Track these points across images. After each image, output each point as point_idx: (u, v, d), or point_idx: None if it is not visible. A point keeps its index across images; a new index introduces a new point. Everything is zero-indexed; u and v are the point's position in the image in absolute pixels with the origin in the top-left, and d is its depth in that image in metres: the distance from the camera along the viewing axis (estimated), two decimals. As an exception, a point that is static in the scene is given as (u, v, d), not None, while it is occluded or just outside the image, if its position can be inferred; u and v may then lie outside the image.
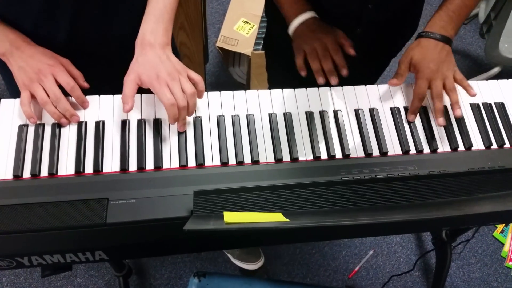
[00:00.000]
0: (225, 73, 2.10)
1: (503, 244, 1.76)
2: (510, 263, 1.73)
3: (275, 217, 0.59)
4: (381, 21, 0.97)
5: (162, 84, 0.73)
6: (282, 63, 1.14)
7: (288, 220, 0.58)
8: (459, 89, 0.88)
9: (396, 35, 0.96)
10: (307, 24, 0.90)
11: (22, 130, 0.74)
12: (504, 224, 1.80)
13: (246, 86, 1.94)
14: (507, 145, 0.85)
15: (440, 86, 0.83)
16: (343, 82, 0.88)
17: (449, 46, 0.84)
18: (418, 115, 0.85)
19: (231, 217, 0.57)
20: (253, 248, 1.64)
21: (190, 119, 0.79)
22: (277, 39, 1.11)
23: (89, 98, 0.79)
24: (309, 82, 0.88)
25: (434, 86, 0.83)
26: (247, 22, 1.85)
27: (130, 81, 0.75)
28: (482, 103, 0.89)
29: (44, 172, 0.72)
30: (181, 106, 0.74)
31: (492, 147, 0.84)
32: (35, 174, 0.71)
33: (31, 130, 0.75)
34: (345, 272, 1.67)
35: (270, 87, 0.84)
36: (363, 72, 0.92)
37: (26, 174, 0.71)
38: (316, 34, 0.89)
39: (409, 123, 0.84)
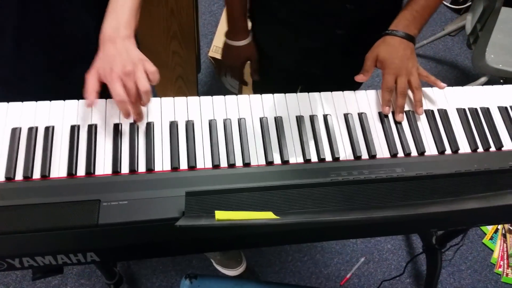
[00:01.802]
0: (217, 82, 2.12)
1: (492, 251, 1.78)
2: (500, 269, 1.75)
3: (266, 216, 0.60)
4: (363, 22, 0.99)
5: (114, 78, 0.73)
6: (263, 66, 1.15)
7: (278, 217, 0.59)
8: (447, 96, 0.90)
9: (380, 36, 0.98)
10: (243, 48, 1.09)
11: (15, 132, 0.74)
12: (493, 231, 1.82)
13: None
14: (492, 148, 0.87)
15: (405, 83, 0.87)
16: (329, 85, 0.90)
17: (412, 44, 0.89)
18: (405, 119, 0.87)
19: (222, 216, 0.58)
20: (234, 253, 1.63)
21: (182, 123, 0.80)
22: (260, 45, 1.14)
23: (82, 101, 0.80)
24: (290, 88, 0.90)
25: (400, 82, 0.87)
26: (239, 32, 1.87)
27: (89, 77, 0.75)
28: (468, 108, 0.91)
29: (36, 174, 0.72)
30: (133, 101, 0.74)
31: (478, 150, 0.86)
32: (27, 176, 0.71)
33: (23, 132, 0.75)
34: (337, 279, 1.68)
35: (254, 93, 0.86)
36: (349, 73, 0.94)
37: (19, 176, 0.71)
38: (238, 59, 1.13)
39: (396, 126, 0.86)
